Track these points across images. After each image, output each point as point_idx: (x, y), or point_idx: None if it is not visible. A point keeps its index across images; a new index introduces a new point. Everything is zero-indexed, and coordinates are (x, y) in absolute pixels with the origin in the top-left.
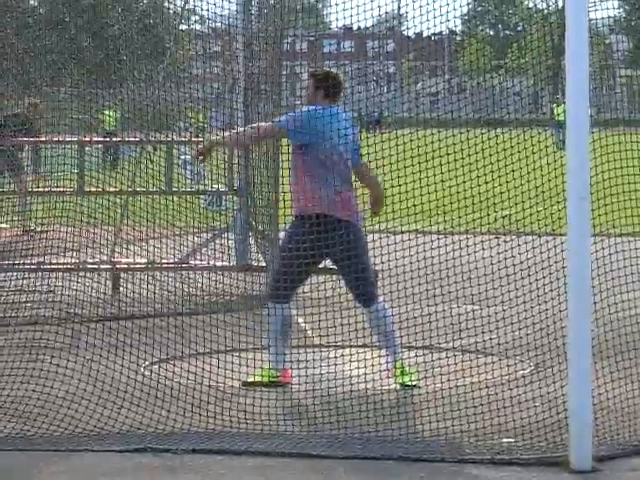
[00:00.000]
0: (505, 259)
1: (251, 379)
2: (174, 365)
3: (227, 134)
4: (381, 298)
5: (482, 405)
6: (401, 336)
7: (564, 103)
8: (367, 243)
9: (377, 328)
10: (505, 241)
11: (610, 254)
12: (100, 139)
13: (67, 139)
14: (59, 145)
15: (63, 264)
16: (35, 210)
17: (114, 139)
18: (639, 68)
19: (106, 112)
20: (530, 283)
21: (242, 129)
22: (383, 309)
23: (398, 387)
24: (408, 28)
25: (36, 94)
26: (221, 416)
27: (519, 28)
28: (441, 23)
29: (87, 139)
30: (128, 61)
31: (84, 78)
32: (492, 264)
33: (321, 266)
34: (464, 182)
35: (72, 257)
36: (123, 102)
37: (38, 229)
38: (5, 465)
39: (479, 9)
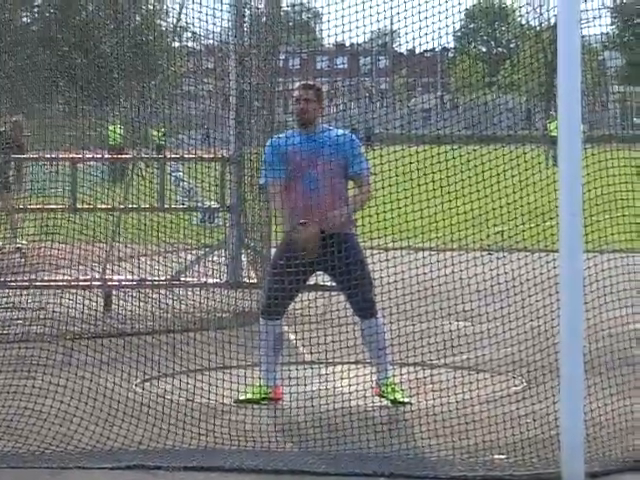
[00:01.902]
0: (497, 275)
1: (243, 397)
2: (166, 382)
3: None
4: (380, 314)
5: (474, 422)
6: (393, 353)
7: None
8: (364, 255)
9: (370, 344)
10: (498, 257)
11: (602, 270)
12: (91, 156)
13: (59, 156)
14: (51, 162)
15: (55, 281)
16: (28, 227)
17: (119, 154)
18: (632, 84)
19: (110, 128)
20: (522, 299)
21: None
22: (379, 325)
23: (390, 404)
24: (400, 45)
25: (26, 111)
26: (213, 433)
27: (512, 45)
28: (433, 40)
29: (79, 156)
30: (120, 78)
31: (76, 95)
32: (484, 280)
33: (312, 283)
34: (456, 198)
35: (64, 274)
36: (116, 119)
37: (29, 246)
38: None
39: (471, 26)
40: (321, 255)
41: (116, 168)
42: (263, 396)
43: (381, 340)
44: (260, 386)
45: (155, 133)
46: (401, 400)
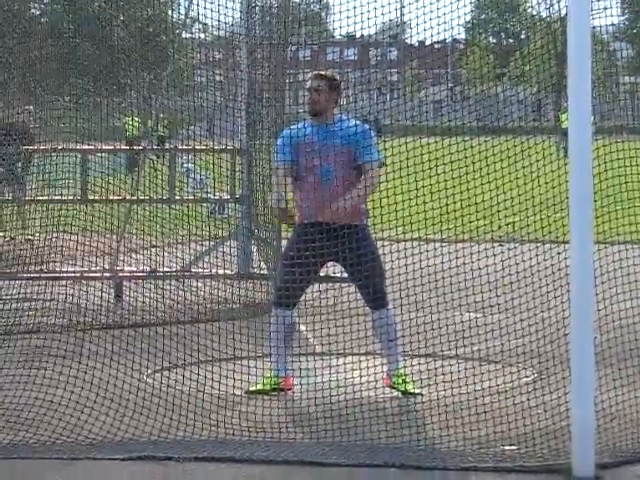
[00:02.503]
0: (509, 266)
1: (254, 387)
2: (176, 373)
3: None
4: (391, 305)
5: (485, 413)
6: (404, 344)
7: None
8: (376, 246)
9: (381, 335)
10: (509, 248)
11: (613, 261)
12: (102, 147)
13: (70, 147)
14: (62, 153)
15: (66, 272)
16: (39, 218)
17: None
18: None
19: (127, 119)
20: (533, 290)
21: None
22: (390, 316)
23: (401, 395)
24: (411, 36)
25: (36, 102)
26: (223, 424)
27: (522, 36)
28: (445, 31)
29: (90, 147)
30: (130, 70)
31: (86, 86)
32: (496, 271)
33: (323, 274)
34: (468, 189)
35: (75, 265)
36: (127, 110)
37: (39, 237)
38: (7, 473)
39: (482, 17)
40: (333, 246)
41: (132, 159)
42: (274, 387)
43: (392, 331)
44: (271, 377)
45: (154, 126)
46: (412, 391)
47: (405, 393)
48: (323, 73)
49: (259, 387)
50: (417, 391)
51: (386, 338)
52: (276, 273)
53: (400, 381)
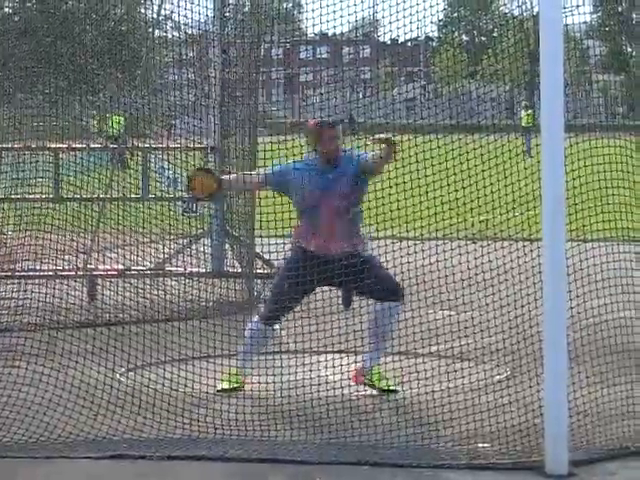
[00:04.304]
0: (482, 264)
1: (219, 386)
2: (150, 371)
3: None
4: (400, 305)
5: (458, 410)
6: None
7: (529, 108)
8: (378, 260)
9: (378, 325)
10: (482, 246)
11: (586, 259)
12: (77, 146)
13: (42, 146)
14: (34, 152)
15: (39, 271)
16: (14, 216)
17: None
18: (615, 73)
19: (109, 117)
20: (506, 288)
21: (237, 176)
22: (399, 313)
23: (376, 392)
24: (384, 34)
25: (9, 101)
26: (197, 422)
27: (494, 34)
28: (417, 29)
29: (64, 146)
30: (102, 68)
31: (60, 84)
32: (469, 269)
33: None
34: (441, 187)
35: (48, 264)
36: (100, 109)
37: (13, 236)
38: None
39: (455, 15)
40: (332, 272)
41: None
42: (235, 385)
43: (387, 324)
44: (237, 374)
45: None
46: (385, 388)
47: (381, 390)
48: (319, 121)
49: (224, 385)
50: (392, 388)
51: (376, 332)
52: (268, 289)
53: (375, 378)
